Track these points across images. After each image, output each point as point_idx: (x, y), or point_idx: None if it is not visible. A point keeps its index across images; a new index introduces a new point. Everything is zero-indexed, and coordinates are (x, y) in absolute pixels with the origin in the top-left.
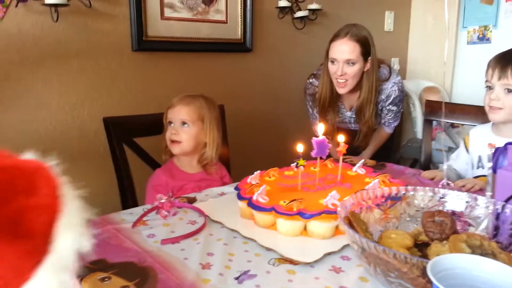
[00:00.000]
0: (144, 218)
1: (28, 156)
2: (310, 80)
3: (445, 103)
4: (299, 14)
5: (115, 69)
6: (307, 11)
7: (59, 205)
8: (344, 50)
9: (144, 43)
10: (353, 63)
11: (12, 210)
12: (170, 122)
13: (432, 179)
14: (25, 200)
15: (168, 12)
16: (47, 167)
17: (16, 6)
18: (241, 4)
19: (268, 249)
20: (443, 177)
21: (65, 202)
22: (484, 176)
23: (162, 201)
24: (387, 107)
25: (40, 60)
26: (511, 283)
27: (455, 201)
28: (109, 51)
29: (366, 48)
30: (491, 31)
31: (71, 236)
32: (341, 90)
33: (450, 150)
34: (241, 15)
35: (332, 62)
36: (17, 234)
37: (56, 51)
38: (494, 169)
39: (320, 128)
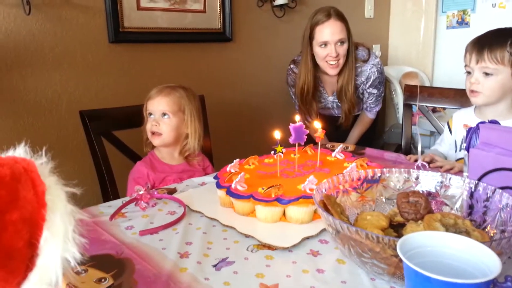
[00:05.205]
0: (123, 210)
1: (18, 152)
2: (291, 66)
3: (425, 87)
4: (278, 2)
5: (92, 61)
6: None
7: (43, 214)
8: (335, 31)
9: (120, 34)
10: (343, 42)
11: None
12: (150, 114)
13: (416, 160)
14: (4, 216)
15: (144, 2)
16: (33, 169)
17: None
18: None
19: (247, 236)
20: (433, 160)
21: (51, 207)
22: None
23: (141, 192)
24: (368, 90)
25: (14, 53)
26: (479, 257)
27: (430, 181)
28: (85, 44)
29: (348, 26)
30: (469, 15)
31: (57, 245)
32: (332, 72)
33: (432, 134)
34: (219, 4)
35: (323, 45)
36: None
37: (30, 44)
38: (468, 149)
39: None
